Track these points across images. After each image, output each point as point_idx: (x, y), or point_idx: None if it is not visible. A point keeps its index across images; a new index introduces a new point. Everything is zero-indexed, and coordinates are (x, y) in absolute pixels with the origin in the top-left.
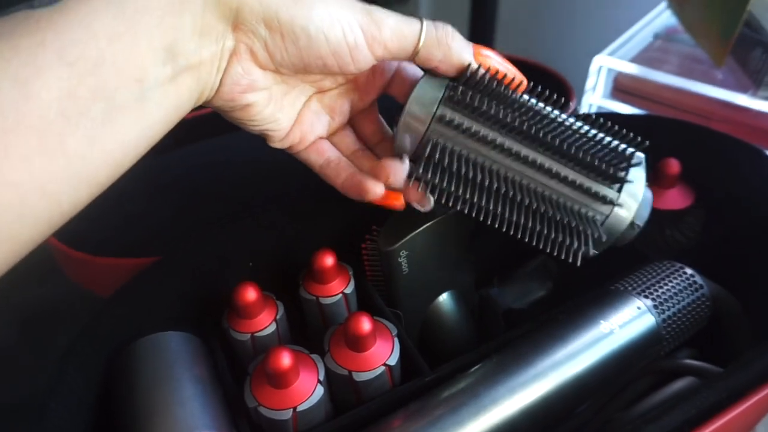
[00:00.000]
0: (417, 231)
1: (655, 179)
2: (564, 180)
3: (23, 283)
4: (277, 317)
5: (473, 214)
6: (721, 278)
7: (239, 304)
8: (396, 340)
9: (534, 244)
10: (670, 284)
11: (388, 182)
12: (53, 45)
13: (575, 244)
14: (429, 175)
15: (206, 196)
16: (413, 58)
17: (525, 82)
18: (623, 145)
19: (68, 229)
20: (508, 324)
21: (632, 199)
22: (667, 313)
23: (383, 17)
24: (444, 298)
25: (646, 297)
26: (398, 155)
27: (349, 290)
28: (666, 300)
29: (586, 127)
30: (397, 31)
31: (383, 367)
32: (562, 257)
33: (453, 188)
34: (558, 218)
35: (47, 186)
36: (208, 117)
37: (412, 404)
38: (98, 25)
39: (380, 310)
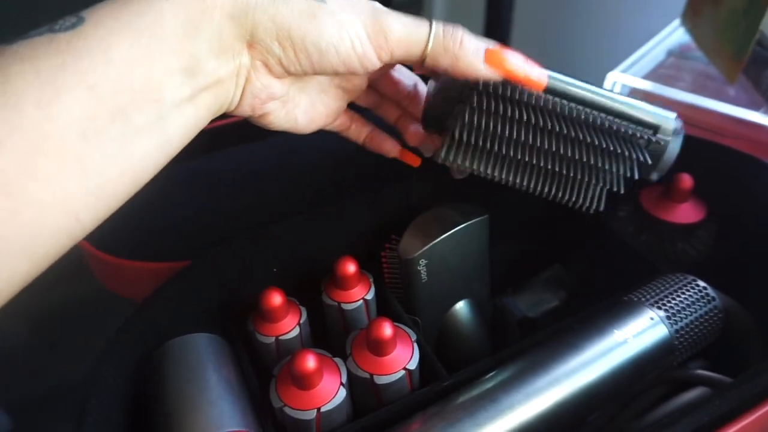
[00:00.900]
0: (437, 240)
1: (667, 193)
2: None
3: (47, 283)
4: (301, 321)
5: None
6: (732, 291)
7: (265, 308)
8: (416, 345)
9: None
10: (683, 296)
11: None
12: (73, 68)
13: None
14: (467, 119)
15: (233, 203)
16: (421, 63)
17: (545, 79)
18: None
19: (98, 232)
20: (523, 333)
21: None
22: (679, 323)
23: (391, 23)
24: (460, 306)
25: (659, 308)
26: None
27: (369, 296)
28: (679, 311)
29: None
30: (405, 39)
31: (403, 371)
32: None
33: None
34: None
35: (68, 203)
36: (235, 125)
37: (431, 407)
38: (115, 52)
39: (399, 316)
